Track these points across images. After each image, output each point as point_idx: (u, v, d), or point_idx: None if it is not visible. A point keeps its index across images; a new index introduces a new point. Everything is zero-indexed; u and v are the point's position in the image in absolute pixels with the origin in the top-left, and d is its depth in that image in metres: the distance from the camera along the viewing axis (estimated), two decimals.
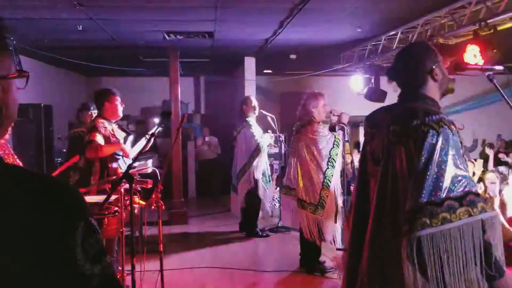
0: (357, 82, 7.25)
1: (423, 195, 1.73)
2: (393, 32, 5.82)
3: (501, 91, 2.12)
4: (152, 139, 3.50)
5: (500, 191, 3.91)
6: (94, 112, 5.12)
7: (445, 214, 1.71)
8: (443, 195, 1.72)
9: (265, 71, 9.90)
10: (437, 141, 1.76)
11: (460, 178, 1.75)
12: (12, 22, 5.27)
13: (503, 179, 4.66)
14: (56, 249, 0.75)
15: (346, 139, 4.90)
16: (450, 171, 1.74)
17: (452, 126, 1.80)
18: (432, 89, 1.98)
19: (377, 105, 2.32)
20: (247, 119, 6.17)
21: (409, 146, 1.81)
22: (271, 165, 6.73)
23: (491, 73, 2.11)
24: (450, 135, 1.78)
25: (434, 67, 1.96)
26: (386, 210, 1.86)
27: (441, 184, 1.73)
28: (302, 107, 4.69)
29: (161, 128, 3.40)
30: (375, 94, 6.77)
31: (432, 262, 1.71)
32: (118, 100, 4.18)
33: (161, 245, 3.44)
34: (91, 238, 0.78)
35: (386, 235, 1.84)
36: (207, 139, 10.16)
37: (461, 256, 1.71)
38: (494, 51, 3.78)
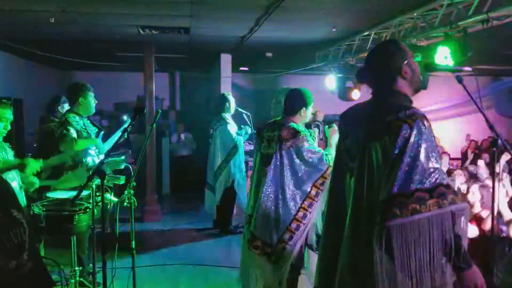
0: (331, 81, 7.34)
1: (395, 187, 1.77)
2: (366, 33, 5.91)
3: (469, 92, 2.19)
4: (125, 134, 3.47)
5: (468, 188, 4.02)
6: (65, 106, 5.03)
7: (415, 205, 1.75)
8: (414, 186, 1.77)
9: (241, 68, 9.89)
10: (410, 134, 1.81)
11: (431, 170, 1.80)
12: None
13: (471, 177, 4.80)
14: None
15: (321, 137, 4.95)
16: (422, 163, 1.79)
17: (425, 120, 1.85)
18: (403, 86, 2.02)
19: (351, 104, 2.35)
20: (223, 116, 6.15)
21: (384, 141, 1.85)
22: (246, 162, 6.74)
23: (460, 74, 2.17)
24: (422, 128, 1.82)
25: (402, 65, 2.01)
26: (363, 204, 1.90)
27: (413, 176, 1.78)
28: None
29: (133, 123, 3.37)
30: None
31: (401, 251, 1.76)
32: (92, 96, 4.14)
33: (134, 242, 3.40)
34: (9, 231, 0.75)
35: (363, 229, 1.88)
36: (182, 135, 10.09)
37: (428, 247, 1.76)
38: (469, 54, 3.88)
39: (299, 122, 3.41)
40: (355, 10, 5.10)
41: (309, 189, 3.24)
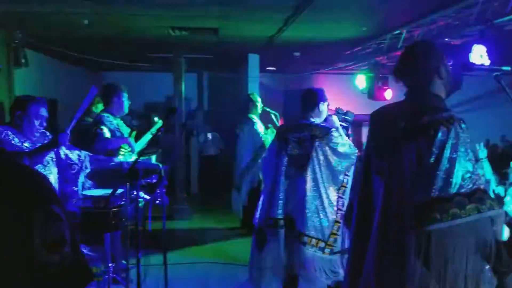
0: (361, 81, 7.26)
1: (433, 191, 1.74)
2: (398, 31, 5.82)
3: (508, 91, 2.13)
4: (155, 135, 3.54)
5: (505, 191, 3.92)
6: (99, 106, 5.15)
7: (455, 210, 1.72)
8: (453, 191, 1.74)
9: (268, 68, 9.89)
10: (447, 137, 1.78)
11: (469, 174, 1.77)
12: (19, 16, 5.28)
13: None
14: (11, 233, 0.74)
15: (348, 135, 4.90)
16: (460, 167, 1.76)
17: (462, 123, 1.82)
18: (438, 87, 1.99)
19: (381, 104, 2.32)
20: (250, 116, 6.17)
21: (419, 143, 1.83)
22: None
23: (498, 73, 2.12)
24: (460, 132, 1.80)
25: (440, 66, 1.98)
26: (393, 206, 1.88)
27: (451, 180, 1.75)
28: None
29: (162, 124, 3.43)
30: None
31: (437, 257, 1.72)
32: (125, 96, 4.24)
33: (165, 240, 3.46)
34: (50, 225, 0.77)
35: (392, 232, 1.86)
36: (209, 135, 10.16)
37: (466, 253, 1.73)
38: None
39: (318, 118, 3.53)
40: (386, 8, 5.03)
41: (342, 178, 3.41)
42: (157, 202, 3.48)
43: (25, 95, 3.33)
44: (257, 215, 3.72)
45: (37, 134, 3.26)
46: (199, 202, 8.49)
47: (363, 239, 2.04)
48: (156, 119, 4.84)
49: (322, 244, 3.36)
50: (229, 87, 10.89)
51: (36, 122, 3.22)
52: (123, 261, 4.07)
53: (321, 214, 3.36)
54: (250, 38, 6.89)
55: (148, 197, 3.62)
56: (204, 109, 11.44)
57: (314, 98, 3.55)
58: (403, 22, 5.57)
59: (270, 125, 6.26)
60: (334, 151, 3.37)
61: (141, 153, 3.48)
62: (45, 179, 0.85)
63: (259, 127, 6.14)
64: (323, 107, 3.55)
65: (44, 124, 3.30)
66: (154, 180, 3.68)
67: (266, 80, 10.31)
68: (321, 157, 3.36)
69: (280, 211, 3.47)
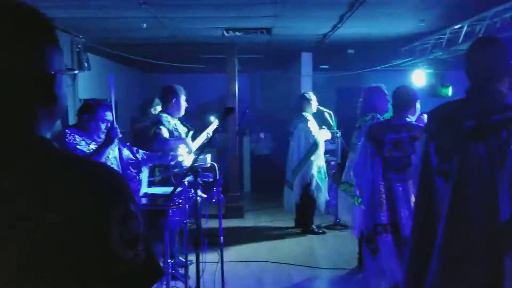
0: (419, 77, 7.01)
1: None
2: (458, 26, 5.57)
3: None
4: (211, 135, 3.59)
5: None
6: (158, 108, 5.31)
7: None
8: None
9: (321, 66, 9.79)
10: None
11: None
12: (81, 21, 5.54)
13: None
14: (90, 229, 0.77)
15: None
16: None
17: None
18: (505, 85, 1.91)
19: (440, 101, 2.22)
20: (304, 114, 6.14)
21: (490, 142, 1.74)
22: (327, 162, 6.66)
23: None
24: None
25: (509, 63, 1.92)
26: (463, 210, 1.79)
27: None
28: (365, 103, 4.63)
29: (219, 124, 3.47)
30: None
31: None
32: (184, 99, 4.35)
33: (222, 238, 3.52)
34: (128, 222, 0.80)
35: (463, 237, 1.77)
36: (261, 135, 10.22)
37: None
38: None
39: (413, 117, 3.39)
40: (445, 2, 4.84)
41: None
42: (213, 200, 3.54)
43: (93, 99, 3.50)
44: (360, 223, 3.61)
45: (102, 136, 3.41)
46: (252, 201, 8.55)
47: (423, 241, 1.97)
48: (212, 118, 4.91)
49: None
50: (281, 86, 10.89)
51: (102, 126, 3.37)
52: (181, 258, 4.18)
53: None
54: (303, 36, 6.85)
55: (205, 196, 3.69)
56: (257, 109, 11.53)
57: (410, 96, 3.38)
58: (464, 16, 5.33)
59: (323, 127, 6.19)
60: None
61: (199, 153, 3.54)
62: (122, 177, 0.88)
63: (312, 125, 6.10)
64: (418, 105, 3.40)
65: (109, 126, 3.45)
66: (210, 179, 3.75)
67: (319, 78, 10.21)
68: None
69: (385, 217, 3.31)
